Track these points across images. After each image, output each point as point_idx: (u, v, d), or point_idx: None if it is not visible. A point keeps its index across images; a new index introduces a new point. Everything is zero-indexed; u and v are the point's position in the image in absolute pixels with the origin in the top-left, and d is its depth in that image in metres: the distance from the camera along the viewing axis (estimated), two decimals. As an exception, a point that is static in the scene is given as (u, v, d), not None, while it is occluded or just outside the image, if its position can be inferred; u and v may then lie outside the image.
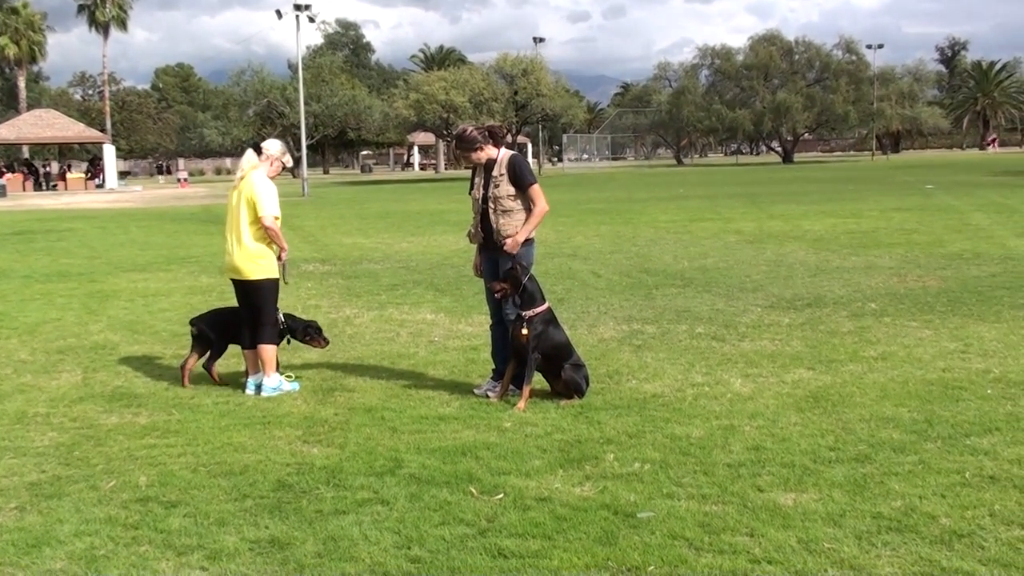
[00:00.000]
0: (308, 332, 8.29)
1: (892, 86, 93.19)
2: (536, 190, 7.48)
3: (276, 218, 7.73)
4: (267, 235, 7.72)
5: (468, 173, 7.95)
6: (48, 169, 65.73)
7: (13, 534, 4.93)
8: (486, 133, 7.55)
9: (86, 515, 5.17)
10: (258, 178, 7.75)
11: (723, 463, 5.72)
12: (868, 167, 66.19)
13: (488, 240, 7.57)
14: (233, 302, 8.26)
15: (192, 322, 8.49)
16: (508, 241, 7.38)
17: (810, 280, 13.09)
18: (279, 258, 7.90)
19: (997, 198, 28.19)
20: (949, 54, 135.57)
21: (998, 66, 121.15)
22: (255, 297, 7.81)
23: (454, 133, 7.83)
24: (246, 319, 7.93)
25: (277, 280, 7.88)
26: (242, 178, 7.81)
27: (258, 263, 7.73)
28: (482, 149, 7.48)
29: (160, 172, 73.18)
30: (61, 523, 5.06)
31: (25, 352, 9.65)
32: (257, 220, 7.68)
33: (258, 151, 7.92)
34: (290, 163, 8.25)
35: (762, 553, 4.47)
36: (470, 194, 7.78)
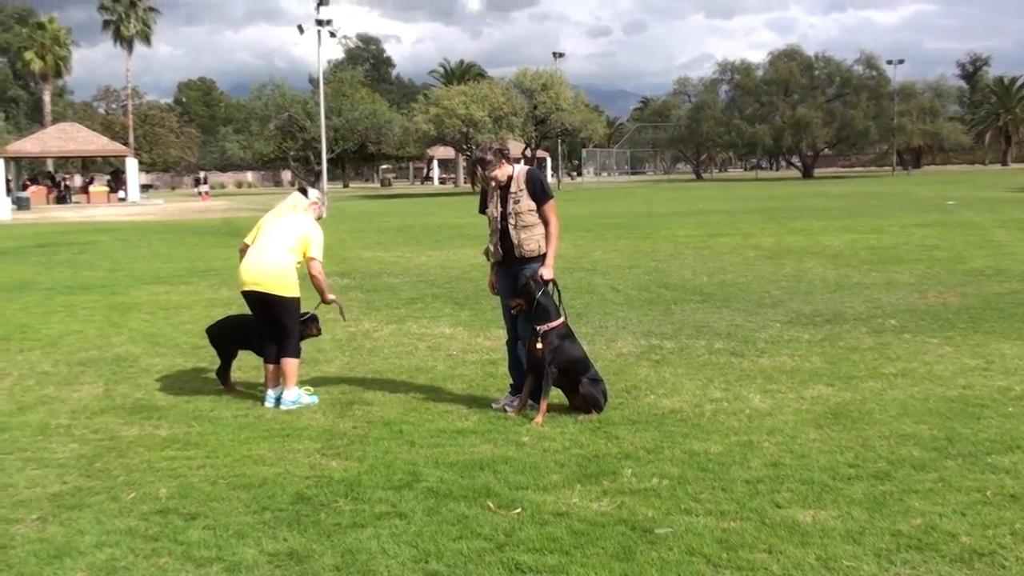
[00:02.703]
0: (304, 323, 8.29)
1: (913, 101, 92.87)
2: (552, 206, 7.52)
3: (322, 264, 8.03)
4: (314, 280, 8.02)
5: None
6: (67, 183, 66.06)
7: (35, 545, 4.97)
8: (499, 152, 7.59)
9: (107, 526, 5.20)
10: (312, 221, 8.10)
11: (741, 479, 5.70)
12: (889, 182, 65.94)
13: (508, 256, 7.59)
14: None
15: (207, 330, 8.80)
16: (544, 272, 7.39)
17: (830, 296, 13.05)
18: (324, 301, 8.17)
19: (1020, 214, 28.04)
20: (971, 70, 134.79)
21: (1020, 81, 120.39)
22: (280, 313, 7.87)
23: (473, 160, 7.89)
24: (268, 333, 7.98)
25: (299, 299, 7.96)
26: (291, 209, 8.10)
27: (287, 280, 7.82)
28: (501, 166, 7.52)
29: (197, 183, 73.99)
30: (82, 534, 5.10)
31: (48, 364, 9.71)
32: (297, 250, 7.89)
33: (304, 194, 8.28)
34: (326, 214, 8.62)
35: (780, 570, 4.45)
36: (482, 213, 7.81)
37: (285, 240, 7.87)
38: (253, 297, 7.95)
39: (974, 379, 8.11)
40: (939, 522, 4.96)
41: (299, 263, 7.92)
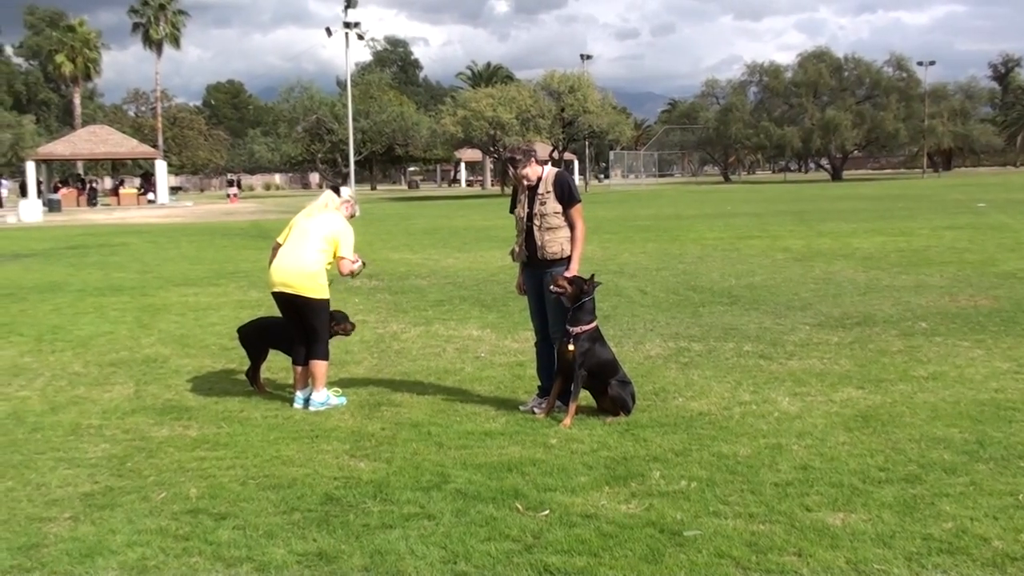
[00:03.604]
0: (334, 318, 8.34)
1: (944, 103, 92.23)
2: (579, 210, 7.51)
3: (352, 262, 8.03)
4: (347, 275, 8.07)
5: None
6: (94, 185, 66.52)
7: (67, 544, 5.01)
8: (528, 152, 7.61)
9: (138, 526, 5.24)
10: (343, 220, 8.10)
11: (770, 482, 5.68)
12: (919, 185, 65.51)
13: (532, 258, 7.59)
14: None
15: (238, 330, 8.88)
16: (566, 277, 7.37)
17: (859, 298, 12.98)
18: (356, 268, 8.13)
19: (1051, 217, 27.76)
20: (1002, 71, 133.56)
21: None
22: (309, 315, 7.91)
23: (504, 160, 7.90)
24: (298, 335, 8.02)
25: (329, 300, 7.99)
26: (322, 208, 8.11)
27: (317, 282, 7.85)
28: (530, 165, 7.53)
29: (231, 185, 74.66)
30: (113, 533, 5.14)
31: (79, 364, 9.80)
32: (327, 251, 7.90)
33: (336, 192, 8.30)
34: (359, 212, 8.59)
35: (810, 573, 4.44)
36: (512, 212, 7.82)
37: (315, 241, 7.89)
38: (283, 298, 7.98)
39: (1006, 382, 8.04)
40: (970, 526, 4.92)
41: (330, 264, 7.94)
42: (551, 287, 7.40)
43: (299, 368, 8.00)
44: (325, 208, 8.12)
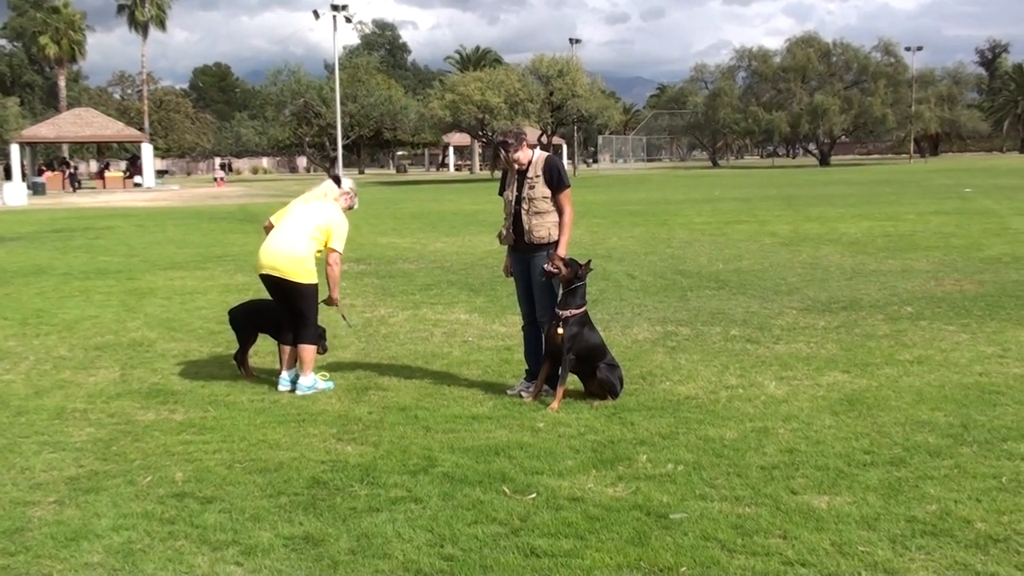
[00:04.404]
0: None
1: (931, 89, 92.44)
2: (568, 195, 7.50)
3: (340, 257, 7.96)
4: (328, 271, 7.94)
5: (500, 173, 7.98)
6: (73, 170, 65.69)
7: (52, 527, 5.00)
8: (519, 135, 7.59)
9: (123, 510, 5.23)
10: (339, 211, 8.03)
11: (756, 465, 5.70)
12: (906, 170, 65.64)
13: (519, 241, 7.59)
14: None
15: (229, 312, 8.86)
16: (563, 258, 7.35)
17: (846, 283, 13.01)
18: (331, 298, 8.08)
19: (1037, 202, 27.86)
20: (989, 56, 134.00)
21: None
22: (297, 299, 7.87)
23: (495, 144, 7.86)
24: (286, 318, 7.99)
25: (317, 285, 7.95)
26: (321, 197, 8.07)
27: (305, 267, 7.80)
28: (521, 149, 7.51)
29: (223, 169, 74.38)
30: (99, 517, 5.13)
31: (64, 348, 9.77)
32: (318, 239, 7.84)
33: (337, 183, 8.20)
34: (357, 205, 8.44)
35: (795, 555, 4.45)
36: (501, 195, 7.80)
37: (307, 227, 7.85)
38: (270, 281, 7.95)
39: (990, 366, 8.08)
40: (954, 508, 4.95)
41: (319, 251, 7.90)
42: (545, 265, 7.37)
43: (286, 348, 7.98)
44: (324, 197, 8.08)
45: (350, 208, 8.22)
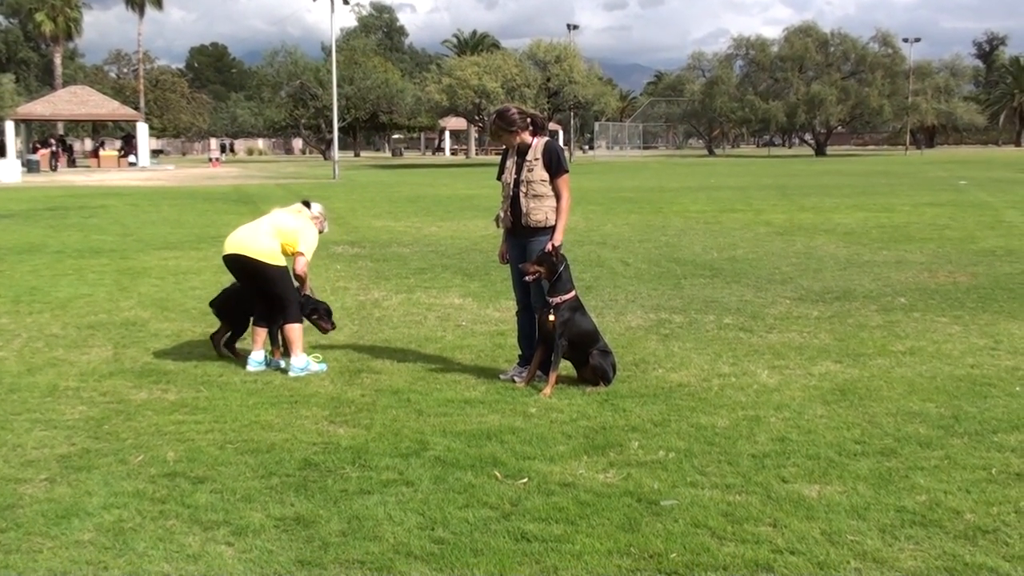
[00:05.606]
0: (317, 311, 8.25)
1: (928, 80, 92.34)
2: (566, 180, 7.48)
3: (307, 263, 7.97)
4: (298, 276, 7.98)
5: (498, 158, 7.96)
6: (57, 148, 64.80)
7: (43, 505, 5.00)
8: (528, 120, 7.54)
9: (115, 488, 5.23)
10: (310, 223, 8.06)
11: (748, 453, 5.71)
12: (901, 161, 65.65)
13: (516, 225, 7.58)
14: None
15: (211, 303, 8.75)
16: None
17: (840, 273, 13.03)
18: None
19: (1032, 195, 27.89)
20: (987, 49, 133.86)
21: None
22: (266, 284, 7.85)
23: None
24: (259, 304, 8.00)
25: (286, 268, 7.91)
26: (294, 211, 8.12)
27: (269, 250, 7.79)
28: (518, 134, 7.48)
29: (223, 150, 74.14)
30: (90, 495, 5.13)
31: (57, 326, 9.75)
32: (285, 243, 7.85)
33: (307, 206, 8.23)
34: (327, 229, 8.47)
35: (785, 544, 4.47)
36: (499, 179, 7.78)
37: (268, 228, 7.90)
38: (238, 264, 7.90)
39: (982, 358, 8.10)
40: (944, 499, 4.97)
41: (288, 255, 7.90)
42: (525, 277, 7.39)
43: (259, 329, 8.00)
44: (298, 212, 8.13)
45: (320, 232, 8.22)
